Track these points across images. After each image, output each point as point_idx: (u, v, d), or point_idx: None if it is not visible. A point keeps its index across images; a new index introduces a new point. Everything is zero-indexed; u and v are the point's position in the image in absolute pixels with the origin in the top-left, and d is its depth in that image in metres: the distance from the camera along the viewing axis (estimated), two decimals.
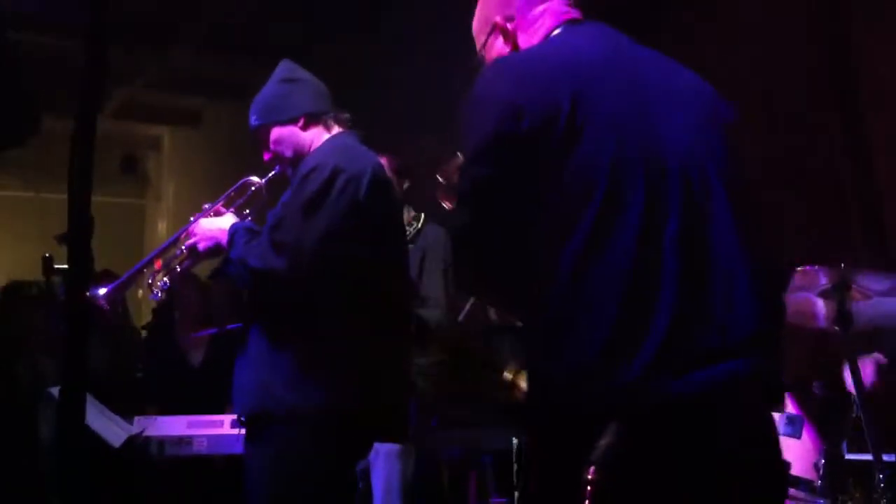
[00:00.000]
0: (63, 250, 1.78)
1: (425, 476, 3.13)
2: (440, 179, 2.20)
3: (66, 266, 1.63)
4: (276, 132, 2.84)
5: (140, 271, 2.91)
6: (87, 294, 2.77)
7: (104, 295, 2.82)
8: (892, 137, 3.91)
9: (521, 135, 1.65)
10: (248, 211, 2.94)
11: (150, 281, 2.91)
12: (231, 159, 9.21)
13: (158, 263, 2.91)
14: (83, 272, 1.62)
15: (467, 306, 3.79)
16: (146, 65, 8.32)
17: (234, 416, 2.78)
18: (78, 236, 1.61)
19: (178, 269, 2.89)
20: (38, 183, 10.39)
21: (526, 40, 1.93)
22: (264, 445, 2.59)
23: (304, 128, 2.82)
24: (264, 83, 2.97)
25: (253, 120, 2.87)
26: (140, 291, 3.00)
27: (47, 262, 1.73)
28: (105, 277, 4.71)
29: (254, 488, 2.60)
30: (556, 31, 1.89)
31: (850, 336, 2.99)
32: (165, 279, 2.89)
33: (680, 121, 1.75)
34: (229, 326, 4.51)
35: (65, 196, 1.65)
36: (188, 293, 4.76)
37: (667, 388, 1.59)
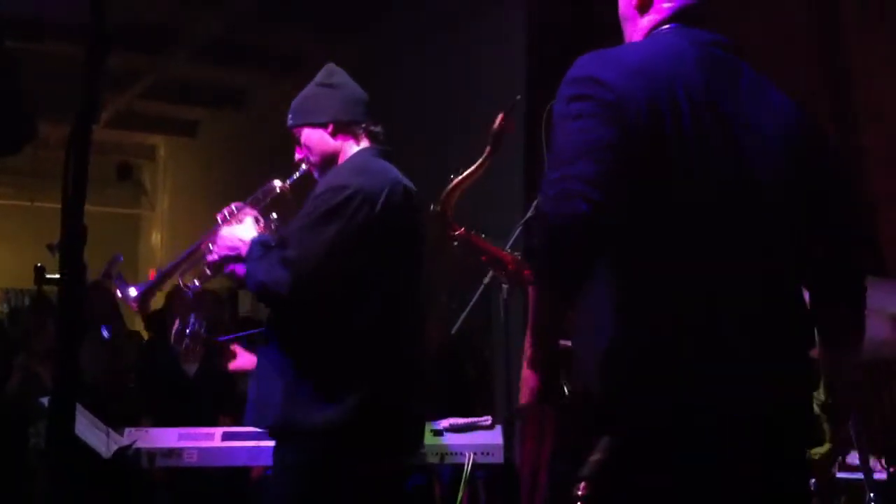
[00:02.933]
0: (55, 259, 1.77)
1: (419, 490, 3.13)
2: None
3: (57, 276, 1.63)
4: (306, 134, 2.82)
5: (170, 274, 2.90)
6: (118, 295, 2.79)
7: (135, 297, 2.83)
8: (889, 150, 3.94)
9: (621, 129, 1.62)
10: (274, 214, 2.93)
11: (180, 283, 2.90)
12: (226, 169, 9.24)
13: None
14: (76, 281, 1.61)
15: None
16: (142, 74, 8.33)
17: (247, 429, 2.76)
18: (71, 245, 1.61)
19: (209, 273, 2.88)
20: (33, 191, 10.40)
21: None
22: (285, 462, 2.59)
23: (333, 134, 2.79)
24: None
25: (289, 118, 2.87)
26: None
27: (39, 272, 1.71)
28: (94, 289, 4.70)
29: (275, 501, 2.62)
30: (666, 27, 1.84)
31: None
32: (196, 282, 2.88)
33: (758, 144, 1.74)
34: (221, 338, 4.49)
35: (58, 204, 1.64)
36: (185, 303, 4.74)
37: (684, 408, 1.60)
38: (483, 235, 2.25)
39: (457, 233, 2.16)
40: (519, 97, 2.24)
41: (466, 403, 4.54)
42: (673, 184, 1.66)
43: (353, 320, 2.59)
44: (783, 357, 1.71)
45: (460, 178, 2.14)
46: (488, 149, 2.15)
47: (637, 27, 1.90)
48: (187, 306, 4.44)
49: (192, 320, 2.95)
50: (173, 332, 5.02)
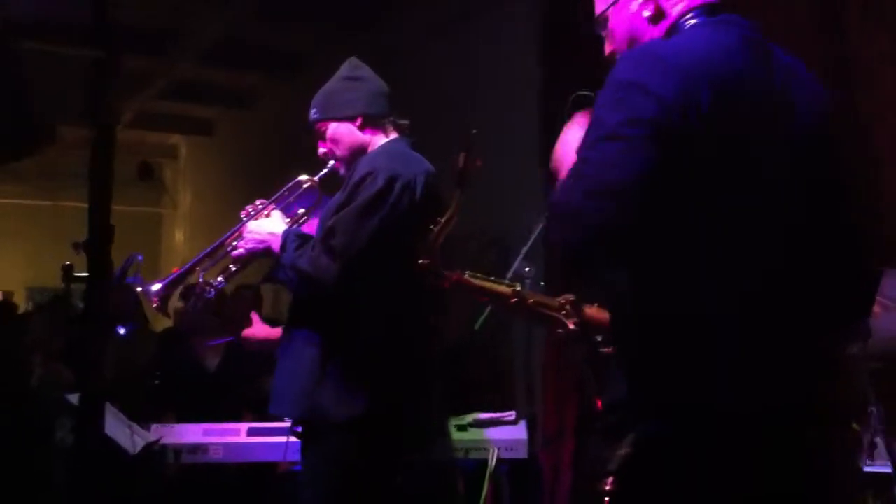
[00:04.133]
0: (80, 257, 1.79)
1: (442, 485, 3.12)
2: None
3: (85, 274, 1.64)
4: (333, 129, 2.82)
5: (192, 269, 2.90)
6: (140, 290, 2.80)
7: (157, 291, 2.83)
8: (892, 149, 3.90)
9: (658, 125, 1.59)
10: (302, 210, 2.93)
11: (201, 280, 2.89)
12: (245, 166, 9.28)
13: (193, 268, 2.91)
14: (103, 280, 1.63)
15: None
16: (160, 75, 8.37)
17: (284, 423, 2.77)
18: (98, 245, 1.62)
19: (233, 270, 2.88)
20: (54, 191, 10.48)
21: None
22: (316, 453, 2.61)
23: (362, 128, 2.80)
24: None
25: (312, 113, 2.86)
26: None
27: (67, 271, 1.73)
28: (117, 290, 4.73)
29: (305, 494, 2.62)
30: (691, 19, 1.79)
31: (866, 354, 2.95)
32: (220, 278, 2.88)
33: (801, 129, 1.72)
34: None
35: (80, 203, 1.66)
36: (213, 294, 4.73)
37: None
38: (478, 275, 2.22)
39: (450, 281, 2.14)
40: (475, 131, 2.16)
41: (488, 400, 4.53)
42: (730, 180, 1.64)
43: (384, 310, 2.59)
44: (832, 360, 1.68)
45: (439, 228, 2.13)
46: (457, 192, 2.12)
47: (653, 36, 1.85)
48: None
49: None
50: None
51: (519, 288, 2.20)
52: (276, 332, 2.98)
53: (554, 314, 2.15)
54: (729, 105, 1.63)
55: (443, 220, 2.11)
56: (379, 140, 2.80)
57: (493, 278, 2.21)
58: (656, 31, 1.84)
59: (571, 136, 1.83)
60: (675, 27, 1.81)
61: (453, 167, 2.14)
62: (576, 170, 1.64)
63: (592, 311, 2.14)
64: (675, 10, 1.82)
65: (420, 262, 2.14)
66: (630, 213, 1.58)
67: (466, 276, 2.17)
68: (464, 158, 2.09)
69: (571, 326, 2.11)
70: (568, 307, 2.14)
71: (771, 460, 1.60)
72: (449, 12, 5.70)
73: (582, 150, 1.65)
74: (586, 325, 2.12)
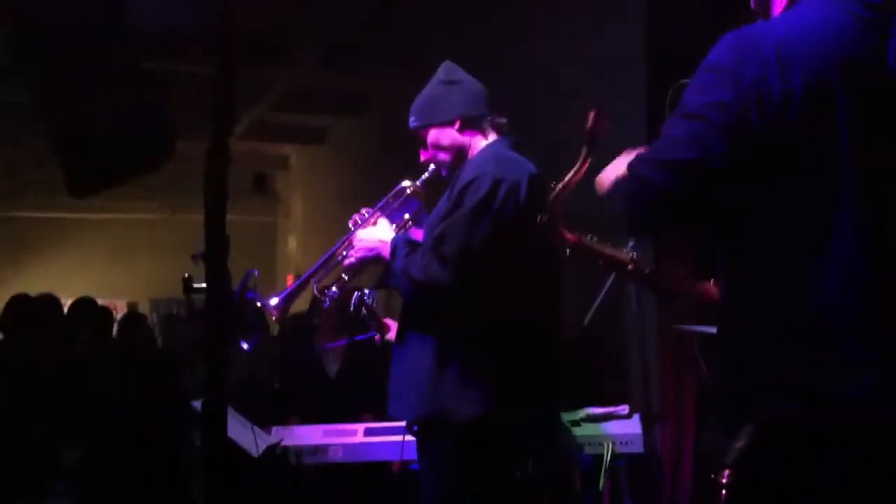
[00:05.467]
0: (198, 268, 1.86)
1: (560, 480, 3.13)
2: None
3: (204, 284, 1.72)
4: (433, 134, 2.83)
5: (307, 281, 2.98)
6: (259, 304, 2.90)
7: (276, 305, 2.90)
8: None
9: (736, 110, 1.59)
10: (408, 216, 2.97)
11: (316, 290, 2.97)
12: (355, 173, 9.44)
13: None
14: (222, 290, 1.70)
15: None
16: (271, 86, 8.57)
17: (399, 423, 2.83)
18: (215, 255, 1.69)
19: (346, 279, 2.95)
20: (173, 204, 10.87)
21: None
22: (436, 454, 2.64)
23: (461, 130, 2.81)
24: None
25: (412, 120, 2.89)
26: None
27: (187, 282, 1.82)
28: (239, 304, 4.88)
29: (429, 494, 2.66)
30: None
31: None
32: (335, 288, 2.95)
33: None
34: (358, 338, 4.59)
35: (198, 216, 1.73)
36: (328, 303, 4.83)
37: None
38: (595, 238, 2.16)
39: (569, 241, 2.04)
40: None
41: (600, 394, 4.50)
42: (830, 167, 1.60)
43: (497, 313, 2.61)
44: None
45: (562, 184, 2.01)
46: (584, 150, 2.00)
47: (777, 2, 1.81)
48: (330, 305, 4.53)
49: (364, 292, 2.97)
50: (317, 330, 5.17)
51: (636, 255, 2.15)
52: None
53: (671, 285, 2.10)
54: (829, 93, 1.59)
55: (566, 178, 1.99)
56: (479, 142, 2.82)
57: (610, 243, 2.16)
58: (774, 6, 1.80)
59: (620, 163, 1.86)
60: (791, 2, 1.76)
61: (584, 127, 2.09)
62: (653, 143, 1.68)
63: (707, 287, 2.08)
64: None
65: (539, 218, 2.10)
66: (691, 190, 1.62)
67: (587, 239, 2.07)
68: (594, 116, 2.03)
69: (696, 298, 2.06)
70: (683, 280, 2.10)
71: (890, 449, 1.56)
72: (553, 5, 5.67)
73: (664, 126, 1.68)
74: (701, 299, 2.06)
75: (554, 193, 2.00)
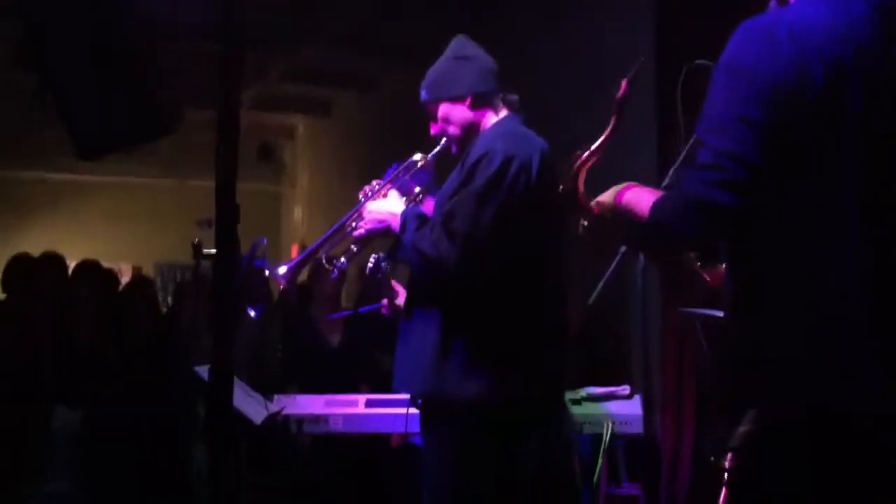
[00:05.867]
0: (204, 234, 1.87)
1: (560, 460, 3.13)
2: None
3: (214, 251, 1.72)
4: (444, 108, 2.82)
5: (316, 251, 2.97)
6: (267, 272, 2.90)
7: (284, 274, 2.91)
8: None
9: (771, 109, 1.59)
10: (418, 189, 2.97)
11: (324, 261, 2.96)
12: (362, 146, 9.43)
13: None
14: (231, 257, 1.70)
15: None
16: (279, 59, 8.55)
17: (406, 396, 2.83)
18: (225, 223, 1.70)
19: (355, 250, 2.95)
20: (181, 170, 10.85)
21: None
22: (439, 432, 2.66)
23: (472, 107, 2.80)
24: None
25: (423, 94, 2.88)
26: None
27: (197, 248, 1.82)
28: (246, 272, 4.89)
29: (432, 473, 2.67)
30: None
31: None
32: (343, 259, 2.95)
33: None
34: (362, 309, 4.60)
35: (204, 182, 1.73)
36: (325, 275, 4.85)
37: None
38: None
39: (589, 211, 1.99)
40: (643, 59, 2.05)
41: (603, 376, 4.51)
42: (839, 163, 1.60)
43: (505, 291, 2.61)
44: None
45: (588, 152, 1.98)
46: (613, 119, 1.99)
47: None
48: (327, 276, 4.53)
49: (378, 258, 2.97)
50: (315, 301, 5.19)
51: None
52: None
53: (685, 265, 2.08)
54: (843, 82, 1.58)
55: (591, 147, 1.98)
56: (490, 118, 2.81)
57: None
58: None
59: (634, 195, 1.87)
60: None
61: (613, 96, 2.01)
62: (702, 156, 1.64)
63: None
64: None
65: (561, 188, 2.07)
66: (747, 203, 1.60)
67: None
68: (626, 86, 1.97)
69: (707, 279, 2.04)
70: (699, 264, 2.07)
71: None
72: None
73: (701, 133, 1.65)
74: (717, 282, 2.04)
75: (578, 162, 1.97)
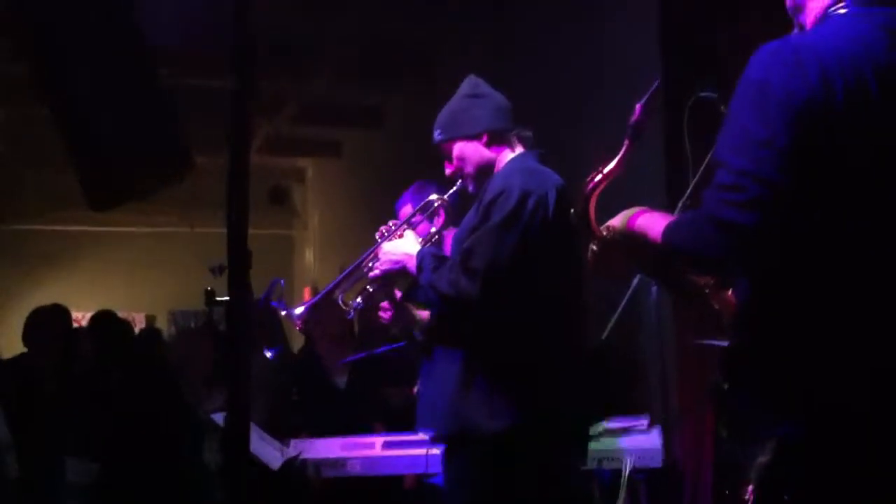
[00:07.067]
0: (216, 280, 1.87)
1: (580, 488, 3.11)
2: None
3: (226, 298, 1.73)
4: (459, 147, 2.81)
5: (332, 292, 2.96)
6: (284, 313, 2.90)
7: (299, 315, 2.92)
8: None
9: (798, 130, 1.58)
10: (434, 229, 2.97)
11: (340, 302, 2.97)
12: (372, 185, 9.47)
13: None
14: (244, 303, 1.71)
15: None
16: (286, 99, 8.62)
17: (423, 437, 2.83)
18: (237, 269, 1.70)
19: (371, 291, 2.94)
20: (193, 217, 10.92)
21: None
22: (465, 466, 2.65)
23: (488, 144, 2.80)
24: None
25: (436, 134, 2.87)
26: None
27: (209, 295, 1.82)
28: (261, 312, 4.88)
29: None
30: (841, 8, 1.72)
31: None
32: (359, 300, 2.95)
33: None
34: (377, 351, 4.59)
35: (217, 229, 1.73)
36: (328, 314, 4.82)
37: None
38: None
39: (598, 235, 1.97)
40: (658, 82, 2.04)
41: (620, 407, 4.48)
42: (863, 183, 1.60)
43: (525, 326, 2.61)
44: None
45: (601, 175, 1.95)
46: (627, 142, 1.96)
47: (809, 10, 1.79)
48: (330, 316, 4.51)
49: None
50: (316, 341, 5.17)
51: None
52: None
53: (697, 288, 2.05)
54: (862, 103, 1.59)
55: (604, 171, 1.95)
56: (506, 155, 2.81)
57: None
58: (814, 6, 1.78)
59: (646, 220, 1.86)
60: (825, 16, 1.75)
61: (628, 120, 1.99)
62: (722, 175, 1.63)
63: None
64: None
65: (573, 211, 2.03)
66: (772, 223, 1.58)
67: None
68: (640, 110, 1.95)
69: (715, 306, 2.01)
70: (710, 287, 2.05)
71: None
72: (569, 9, 5.67)
73: (722, 155, 1.64)
74: (724, 309, 2.02)
75: (590, 185, 1.95)
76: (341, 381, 5.09)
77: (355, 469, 3.86)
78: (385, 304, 3.00)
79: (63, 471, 4.53)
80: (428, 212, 2.99)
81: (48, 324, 4.96)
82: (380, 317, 3.04)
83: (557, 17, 5.67)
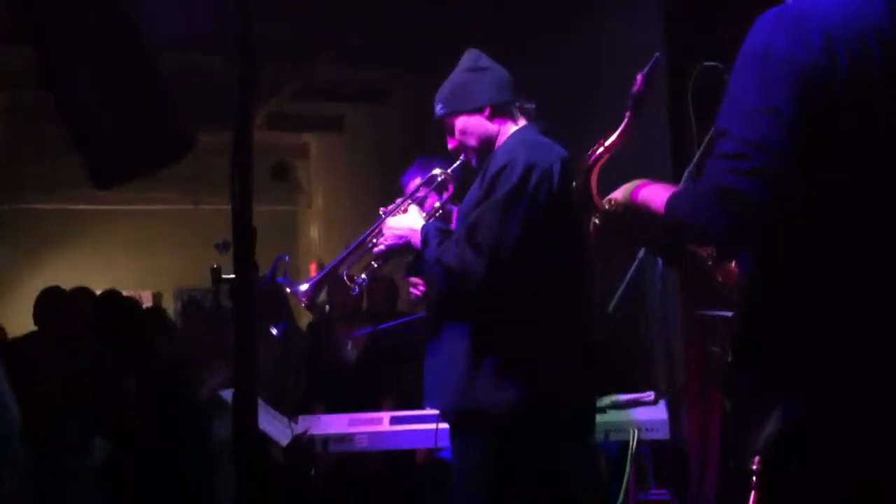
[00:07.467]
0: (222, 258, 1.87)
1: (586, 466, 3.12)
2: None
3: (232, 276, 1.73)
4: (462, 121, 2.80)
5: (336, 268, 2.98)
6: (289, 290, 2.90)
7: (305, 292, 2.92)
8: None
9: (803, 97, 1.57)
10: (438, 204, 2.96)
11: (345, 277, 2.97)
12: (376, 161, 9.45)
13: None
14: (250, 280, 1.71)
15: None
16: (290, 77, 8.58)
17: (431, 412, 2.83)
18: (243, 247, 1.70)
19: (375, 266, 2.94)
20: (196, 195, 10.91)
21: None
22: (474, 443, 2.65)
23: (490, 118, 2.79)
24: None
25: (438, 109, 2.86)
26: None
27: (215, 273, 1.83)
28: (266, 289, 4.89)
29: (467, 483, 2.67)
30: None
31: None
32: (363, 276, 2.95)
33: None
34: (382, 326, 4.60)
35: (220, 206, 1.73)
36: (338, 290, 4.84)
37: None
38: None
39: (599, 208, 1.94)
40: (658, 54, 2.00)
41: (626, 382, 4.50)
42: (867, 150, 1.59)
43: (531, 299, 2.60)
44: None
45: (602, 148, 1.93)
46: (628, 114, 1.93)
47: None
48: (340, 291, 4.50)
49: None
50: (327, 316, 5.19)
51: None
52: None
53: (700, 260, 2.04)
54: (866, 70, 1.57)
55: (605, 143, 1.93)
56: (508, 128, 2.80)
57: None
58: None
59: (648, 192, 1.84)
60: None
61: (629, 91, 1.97)
62: (722, 142, 1.61)
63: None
64: None
65: (574, 183, 2.02)
66: (771, 189, 1.56)
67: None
68: (641, 81, 1.92)
69: (719, 278, 2.00)
70: (713, 259, 2.03)
71: None
72: (569, 9, 5.63)
73: (724, 124, 1.62)
74: (728, 281, 2.01)
75: (592, 158, 1.93)
76: (350, 356, 5.11)
77: (363, 444, 3.88)
78: (416, 279, 3.00)
79: (90, 449, 4.55)
80: (432, 186, 2.97)
81: (74, 305, 4.96)
82: (410, 293, 3.05)
83: (557, 17, 5.65)
